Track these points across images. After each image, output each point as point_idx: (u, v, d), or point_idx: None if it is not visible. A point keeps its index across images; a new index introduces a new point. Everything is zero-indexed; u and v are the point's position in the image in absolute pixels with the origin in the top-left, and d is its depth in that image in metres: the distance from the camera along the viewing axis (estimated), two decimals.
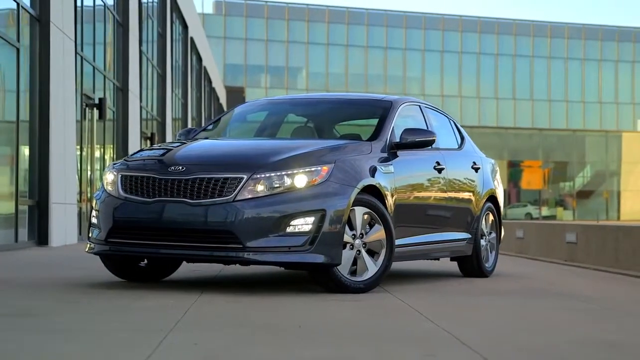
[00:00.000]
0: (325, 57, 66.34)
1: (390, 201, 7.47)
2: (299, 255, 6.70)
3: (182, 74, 34.82)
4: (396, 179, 7.67)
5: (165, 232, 6.82)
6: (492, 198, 9.65)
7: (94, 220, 7.31)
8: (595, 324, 5.79)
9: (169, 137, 29.72)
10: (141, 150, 7.84)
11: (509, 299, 7.24)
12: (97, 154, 19.26)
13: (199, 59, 41.15)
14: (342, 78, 66.35)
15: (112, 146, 21.03)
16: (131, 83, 22.17)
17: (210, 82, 47.39)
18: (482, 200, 9.36)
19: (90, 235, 7.37)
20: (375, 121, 8.66)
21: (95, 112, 18.70)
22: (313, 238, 6.71)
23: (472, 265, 9.29)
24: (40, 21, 14.45)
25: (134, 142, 22.60)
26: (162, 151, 7.55)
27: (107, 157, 20.63)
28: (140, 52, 23.94)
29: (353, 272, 7.07)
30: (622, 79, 72.87)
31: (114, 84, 20.99)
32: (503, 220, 10.13)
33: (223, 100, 58.19)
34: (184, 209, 6.73)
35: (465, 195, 9.06)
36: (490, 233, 9.60)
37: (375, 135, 7.88)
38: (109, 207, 7.10)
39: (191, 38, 36.88)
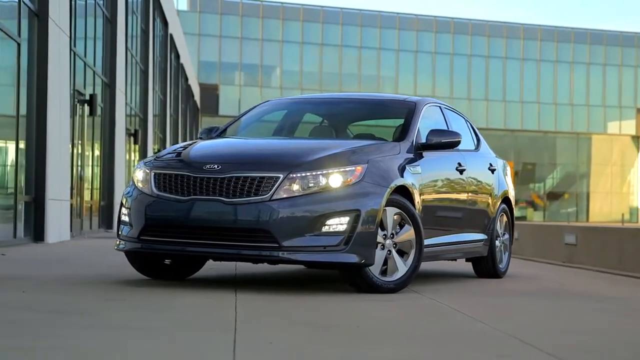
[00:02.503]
0: (300, 56, 66.29)
1: (418, 201, 7.51)
2: (334, 255, 6.73)
3: (162, 71, 34.73)
4: (423, 179, 7.71)
5: (199, 231, 6.83)
6: (506, 199, 9.72)
7: (124, 217, 7.29)
8: (637, 325, 5.86)
9: (150, 134, 29.64)
10: (171, 148, 7.81)
11: (536, 300, 7.29)
12: (87, 150, 19.17)
13: (177, 56, 41.05)
14: (316, 77, 66.34)
15: (99, 142, 20.93)
16: (118, 79, 22.10)
17: (186, 79, 47.30)
18: (497, 201, 9.43)
19: (119, 232, 7.35)
20: (394, 122, 8.72)
21: (86, 108, 18.62)
22: (348, 238, 6.74)
23: (487, 266, 9.35)
24: (39, 16, 14.37)
25: (120, 139, 22.53)
26: (193, 149, 7.52)
27: (97, 153, 20.55)
28: (126, 48, 23.87)
29: (383, 272, 7.11)
30: (593, 82, 73.38)
31: (102, 79, 20.90)
32: None
33: (197, 97, 58.08)
34: (219, 208, 6.74)
35: (484, 196, 9.13)
36: (504, 234, 9.66)
37: (402, 136, 7.92)
38: (142, 204, 7.08)
39: (170, 35, 36.80)
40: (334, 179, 6.82)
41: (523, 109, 71.27)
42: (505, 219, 9.69)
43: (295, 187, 6.74)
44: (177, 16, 43.18)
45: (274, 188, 6.71)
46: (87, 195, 19.17)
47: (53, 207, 14.67)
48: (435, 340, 4.74)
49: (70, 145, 16.47)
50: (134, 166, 26.82)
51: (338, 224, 6.74)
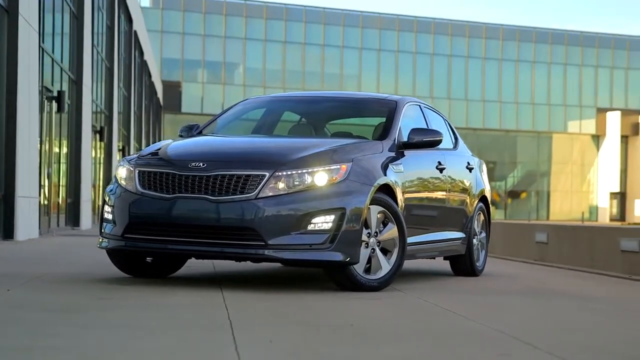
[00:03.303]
0: (263, 53, 66.19)
1: (401, 200, 7.53)
2: (319, 253, 6.73)
3: (126, 68, 34.53)
4: (405, 177, 7.73)
5: (184, 229, 6.80)
6: (483, 198, 9.76)
7: (107, 215, 7.24)
8: (628, 324, 5.91)
9: (115, 131, 29.46)
10: (154, 145, 7.75)
11: (521, 298, 7.33)
12: (55, 147, 19.01)
13: (141, 53, 40.84)
14: (279, 74, 66.29)
15: (66, 139, 20.77)
16: (85, 76, 21.95)
17: (150, 76, 47.06)
18: (475, 200, 9.46)
19: (102, 230, 7.30)
20: (370, 120, 8.73)
21: (54, 105, 18.47)
22: (333, 236, 6.74)
23: (465, 264, 9.38)
24: (9, 12, 14.23)
25: (87, 136, 22.38)
26: (177, 147, 7.49)
27: (64, 150, 20.39)
28: (93, 44, 23.71)
29: (367, 270, 7.11)
30: (554, 81, 73.93)
31: (69, 76, 20.75)
32: None
33: (160, 94, 57.80)
34: (204, 206, 6.72)
35: (462, 195, 9.16)
36: (481, 232, 9.70)
37: (384, 135, 7.92)
38: (125, 202, 7.04)
39: (135, 31, 36.61)
40: (319, 178, 6.82)
41: (485, 108, 71.67)
42: (482, 217, 9.73)
43: (281, 185, 6.73)
44: (141, 13, 42.94)
45: (260, 186, 6.70)
46: (54, 193, 19.02)
47: (22, 204, 14.54)
48: (432, 339, 4.75)
49: (38, 143, 16.33)
50: (99, 163, 26.68)
51: (323, 222, 6.74)
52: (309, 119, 9.03)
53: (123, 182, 7.17)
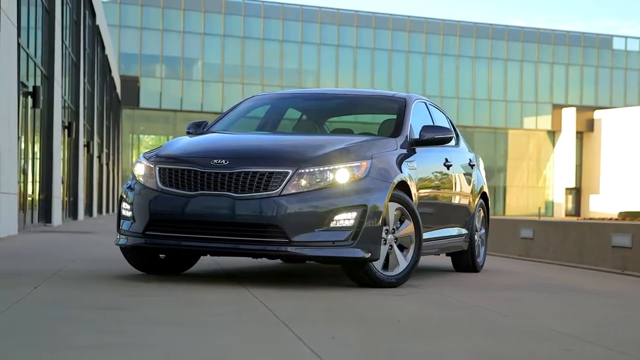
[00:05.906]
0: (221, 49, 66.03)
1: (416, 196, 7.59)
2: (341, 250, 6.77)
3: (90, 63, 34.31)
4: (418, 174, 7.79)
5: (206, 226, 6.80)
6: (484, 195, 9.85)
7: (126, 212, 7.21)
8: None
9: (82, 127, 29.26)
10: (172, 142, 7.70)
11: (535, 293, 7.40)
12: (30, 143, 18.85)
13: (103, 48, 40.59)
14: (238, 70, 66.17)
15: (39, 135, 20.59)
16: (56, 71, 21.78)
17: (110, 71, 46.77)
18: (477, 196, 9.55)
19: (120, 227, 7.27)
20: (381, 117, 8.79)
21: (29, 100, 18.31)
22: (355, 233, 6.79)
23: (466, 260, 9.46)
24: None
25: (57, 132, 22.23)
26: (197, 144, 7.47)
27: (37, 146, 20.21)
28: (63, 39, 23.54)
29: (384, 267, 7.17)
30: (510, 78, 74.58)
31: (41, 71, 20.58)
32: None
33: (119, 89, 57.43)
34: (228, 203, 6.72)
35: (466, 192, 9.24)
36: (481, 229, 9.79)
37: (397, 132, 7.97)
38: (145, 199, 7.02)
39: (97, 26, 36.39)
40: (341, 175, 6.86)
41: (442, 104, 72.07)
42: (482, 214, 9.82)
43: (304, 182, 6.77)
44: (102, 7, 42.66)
45: (284, 183, 6.72)
46: (28, 189, 18.85)
47: (3, 200, 14.41)
48: (482, 334, 4.78)
49: (17, 138, 16.19)
50: (67, 159, 26.45)
51: (346, 219, 6.78)
52: (316, 116, 9.08)
53: (142, 179, 7.15)
